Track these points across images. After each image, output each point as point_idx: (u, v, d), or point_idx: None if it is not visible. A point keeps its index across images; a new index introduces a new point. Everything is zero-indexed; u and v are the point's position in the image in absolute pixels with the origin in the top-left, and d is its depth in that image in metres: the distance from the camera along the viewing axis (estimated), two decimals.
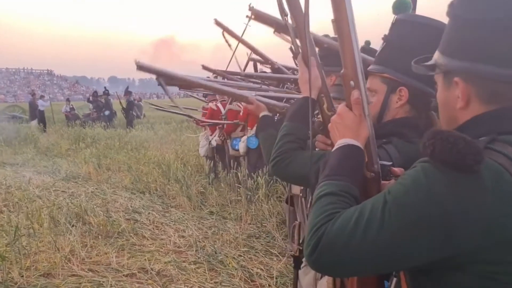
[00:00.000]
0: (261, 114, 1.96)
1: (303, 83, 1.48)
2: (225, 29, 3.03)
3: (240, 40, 3.10)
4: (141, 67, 1.89)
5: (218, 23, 3.05)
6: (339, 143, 1.07)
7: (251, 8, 2.16)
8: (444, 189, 0.78)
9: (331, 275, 0.95)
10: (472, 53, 0.89)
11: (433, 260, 0.81)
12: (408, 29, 1.41)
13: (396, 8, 1.58)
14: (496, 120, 0.88)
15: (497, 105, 0.88)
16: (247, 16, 2.31)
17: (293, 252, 1.91)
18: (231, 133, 6.34)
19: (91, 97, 19.13)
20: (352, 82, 1.04)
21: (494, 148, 0.82)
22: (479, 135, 0.87)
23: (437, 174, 0.80)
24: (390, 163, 1.13)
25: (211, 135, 7.13)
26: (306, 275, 1.89)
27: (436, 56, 0.99)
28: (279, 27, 2.01)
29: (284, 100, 1.95)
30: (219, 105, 6.65)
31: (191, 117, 6.41)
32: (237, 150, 6.19)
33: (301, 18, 1.33)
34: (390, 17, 1.53)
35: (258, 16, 2.12)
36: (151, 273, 3.82)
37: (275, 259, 4.06)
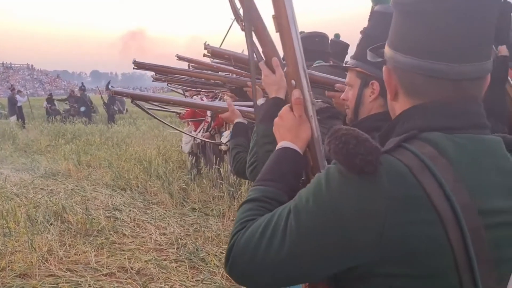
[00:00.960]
0: (235, 121, 1.99)
1: (269, 85, 1.43)
2: (190, 60, 3.02)
3: (209, 66, 3.12)
4: (115, 92, 2.26)
5: (181, 58, 3.04)
6: (277, 146, 1.02)
7: (206, 46, 2.17)
8: (340, 193, 0.72)
9: (245, 286, 0.89)
10: (396, 42, 0.83)
11: (337, 271, 0.76)
12: (382, 21, 1.38)
13: (375, 0, 1.55)
14: (420, 115, 0.80)
15: (421, 99, 0.81)
16: (204, 55, 2.32)
17: None
18: (221, 127, 6.27)
19: (67, 96, 18.94)
20: (293, 81, 0.99)
21: (408, 147, 0.74)
22: (404, 131, 0.79)
23: (336, 177, 0.74)
24: None
25: (194, 130, 7.04)
26: None
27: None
28: (237, 60, 2.04)
29: None
30: (204, 99, 6.57)
31: (177, 112, 6.37)
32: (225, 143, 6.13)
33: (258, 20, 1.28)
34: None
35: (215, 53, 2.17)
36: (130, 272, 3.75)
37: None
